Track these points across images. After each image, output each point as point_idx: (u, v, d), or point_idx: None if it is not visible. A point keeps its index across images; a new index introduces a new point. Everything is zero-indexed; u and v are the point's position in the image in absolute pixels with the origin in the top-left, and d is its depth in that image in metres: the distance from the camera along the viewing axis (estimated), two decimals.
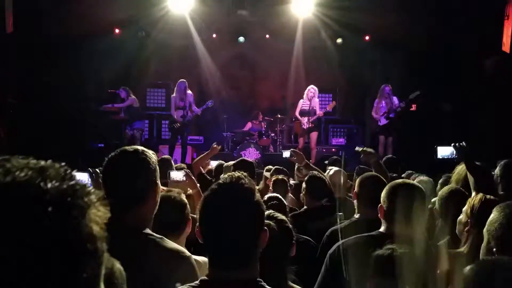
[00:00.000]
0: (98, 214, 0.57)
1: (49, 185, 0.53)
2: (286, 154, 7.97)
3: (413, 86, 8.40)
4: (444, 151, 2.87)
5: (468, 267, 1.20)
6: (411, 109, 8.20)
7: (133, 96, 8.26)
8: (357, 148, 3.47)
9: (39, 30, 7.95)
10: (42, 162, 0.56)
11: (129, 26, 9.82)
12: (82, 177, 3.44)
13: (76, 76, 9.05)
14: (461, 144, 2.72)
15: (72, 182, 0.55)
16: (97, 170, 2.41)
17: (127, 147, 1.55)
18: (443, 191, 2.43)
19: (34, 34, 7.85)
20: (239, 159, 3.81)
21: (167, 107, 9.87)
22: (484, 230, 1.39)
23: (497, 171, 2.65)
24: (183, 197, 2.09)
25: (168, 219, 1.89)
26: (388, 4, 8.81)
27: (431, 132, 8.26)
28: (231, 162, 3.96)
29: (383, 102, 8.18)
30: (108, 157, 1.50)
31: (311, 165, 3.77)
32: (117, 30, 9.89)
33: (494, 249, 1.32)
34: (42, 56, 8.00)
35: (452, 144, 2.78)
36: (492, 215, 1.38)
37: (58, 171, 0.56)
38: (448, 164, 3.30)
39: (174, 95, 8.22)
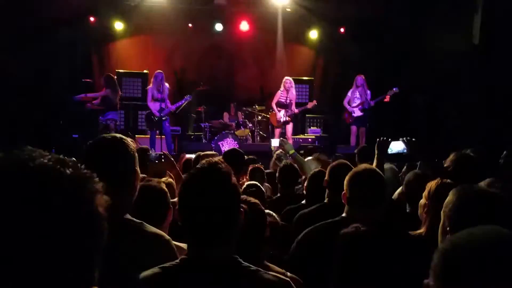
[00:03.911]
0: (103, 199, 0.68)
1: (67, 171, 0.64)
2: (275, 143, 8.03)
3: (388, 78, 8.62)
4: (396, 146, 3.03)
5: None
6: (385, 100, 8.39)
7: (109, 89, 8.13)
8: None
9: (11, 17, 7.75)
10: (59, 155, 0.67)
11: (104, 14, 9.68)
12: None
13: (48, 66, 8.88)
14: (409, 138, 2.99)
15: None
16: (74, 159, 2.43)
17: (105, 135, 1.59)
18: (408, 176, 2.61)
19: (5, 21, 7.64)
20: (226, 151, 3.78)
21: (143, 97, 9.79)
22: (442, 211, 1.51)
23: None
24: (163, 185, 2.13)
25: (149, 208, 1.91)
26: None
27: (402, 123, 8.51)
28: (209, 152, 3.99)
29: (357, 92, 8.36)
30: (87, 145, 1.54)
31: (298, 154, 3.84)
32: (92, 19, 9.72)
33: (448, 228, 1.43)
34: (13, 45, 7.81)
35: (401, 139, 3.03)
36: (448, 197, 1.50)
37: (73, 162, 0.67)
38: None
39: (150, 86, 8.18)
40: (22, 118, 7.34)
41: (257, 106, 9.69)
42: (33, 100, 8.01)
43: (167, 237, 1.56)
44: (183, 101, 8.24)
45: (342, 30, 10.37)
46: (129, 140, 1.62)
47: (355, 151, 4.52)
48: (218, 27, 10.27)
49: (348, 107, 8.43)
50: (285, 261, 2.03)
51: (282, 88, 8.61)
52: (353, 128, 8.39)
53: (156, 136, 8.19)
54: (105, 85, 8.00)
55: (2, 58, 7.39)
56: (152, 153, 2.93)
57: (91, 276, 0.66)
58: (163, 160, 2.89)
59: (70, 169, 0.64)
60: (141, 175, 3.01)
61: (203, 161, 1.25)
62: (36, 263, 0.59)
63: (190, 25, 10.27)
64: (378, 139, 3.01)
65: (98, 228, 0.66)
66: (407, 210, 2.58)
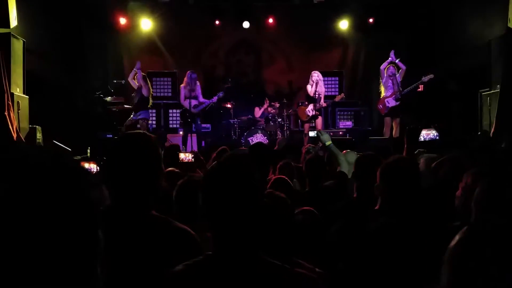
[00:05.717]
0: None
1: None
2: (313, 134, 8.10)
3: (420, 67, 8.34)
4: (428, 133, 2.89)
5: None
6: (419, 89, 8.13)
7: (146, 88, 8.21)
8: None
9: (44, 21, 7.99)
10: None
11: (133, 15, 9.85)
12: (91, 166, 3.55)
13: (82, 68, 9.12)
14: (441, 125, 2.89)
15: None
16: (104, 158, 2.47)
17: (130, 132, 1.60)
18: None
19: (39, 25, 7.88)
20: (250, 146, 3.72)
21: (173, 96, 9.91)
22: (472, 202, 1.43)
23: None
24: None
25: (193, 203, 1.87)
26: None
27: (437, 111, 8.22)
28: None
29: (390, 82, 8.13)
30: (111, 144, 1.56)
31: (334, 146, 3.71)
32: (122, 20, 9.89)
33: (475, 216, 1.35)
34: (47, 48, 8.06)
35: (433, 125, 2.91)
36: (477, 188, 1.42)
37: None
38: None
39: (183, 85, 8.26)
40: (55, 119, 7.55)
41: (285, 101, 9.62)
42: (66, 102, 8.25)
43: (193, 232, 1.55)
44: (215, 98, 8.28)
45: (371, 20, 10.13)
46: (153, 137, 1.61)
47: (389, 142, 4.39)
48: (245, 24, 10.22)
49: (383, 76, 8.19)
50: (316, 257, 1.98)
51: (310, 82, 8.51)
52: (387, 119, 8.15)
53: (188, 134, 8.28)
54: (143, 84, 8.09)
55: (37, 62, 7.64)
56: (181, 154, 2.93)
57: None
58: (192, 160, 2.91)
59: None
60: (176, 171, 3.03)
61: (224, 156, 1.23)
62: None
63: (217, 22, 10.30)
64: (407, 127, 2.91)
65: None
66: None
